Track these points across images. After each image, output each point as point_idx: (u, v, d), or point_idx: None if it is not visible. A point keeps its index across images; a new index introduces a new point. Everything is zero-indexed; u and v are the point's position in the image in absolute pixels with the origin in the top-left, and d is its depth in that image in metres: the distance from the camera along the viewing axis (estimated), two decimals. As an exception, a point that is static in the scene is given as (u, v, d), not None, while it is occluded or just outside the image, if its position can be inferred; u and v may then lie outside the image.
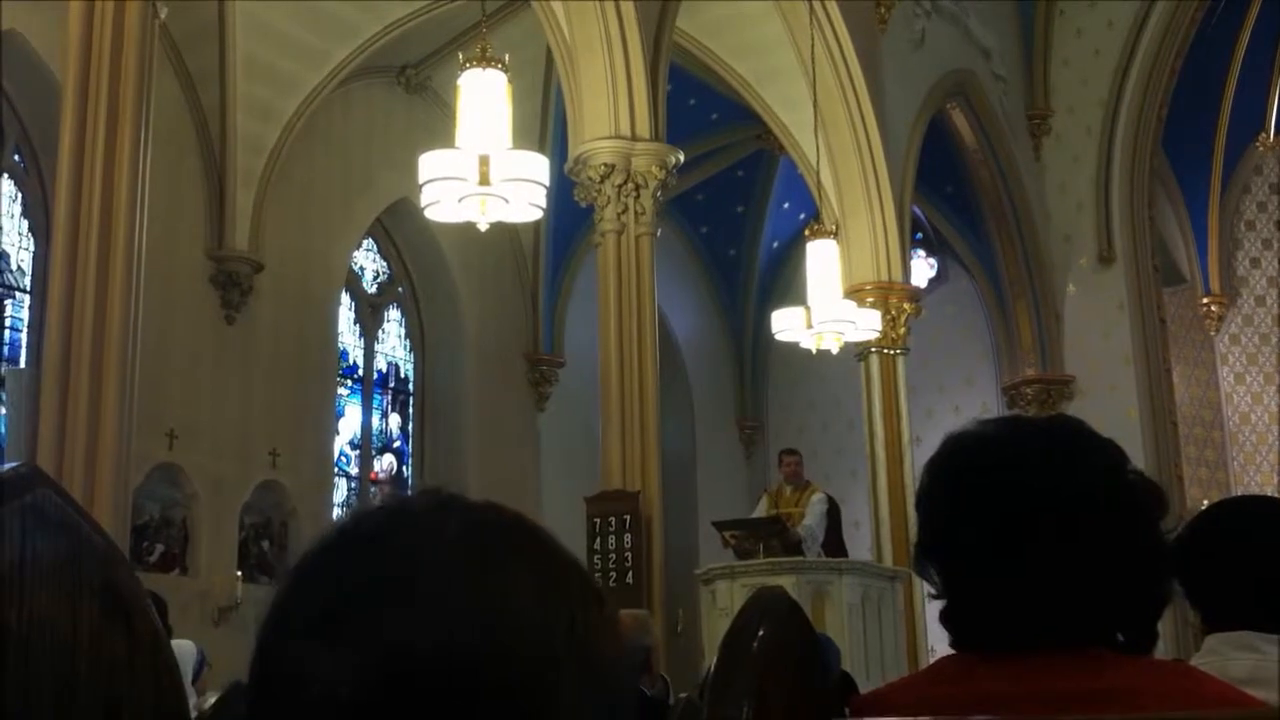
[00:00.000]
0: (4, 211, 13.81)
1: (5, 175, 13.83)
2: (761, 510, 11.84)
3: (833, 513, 11.58)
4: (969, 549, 1.54)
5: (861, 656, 10.39)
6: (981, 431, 1.60)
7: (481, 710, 0.81)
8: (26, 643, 0.88)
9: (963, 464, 1.58)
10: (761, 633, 2.05)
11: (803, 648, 2.19)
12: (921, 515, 1.61)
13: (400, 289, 17.90)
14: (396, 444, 17.72)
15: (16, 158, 13.91)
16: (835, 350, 12.37)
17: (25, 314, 13.78)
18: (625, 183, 11.99)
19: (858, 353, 14.77)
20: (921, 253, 20.18)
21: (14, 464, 0.91)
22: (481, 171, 8.18)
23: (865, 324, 12.36)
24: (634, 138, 12.05)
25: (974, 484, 1.55)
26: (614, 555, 11.36)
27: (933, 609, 1.62)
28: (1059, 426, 1.62)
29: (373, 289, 17.65)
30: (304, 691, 0.82)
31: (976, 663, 1.52)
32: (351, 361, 17.19)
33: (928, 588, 1.58)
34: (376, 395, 17.50)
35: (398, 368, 17.88)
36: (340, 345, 16.79)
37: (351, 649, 0.81)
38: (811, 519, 11.28)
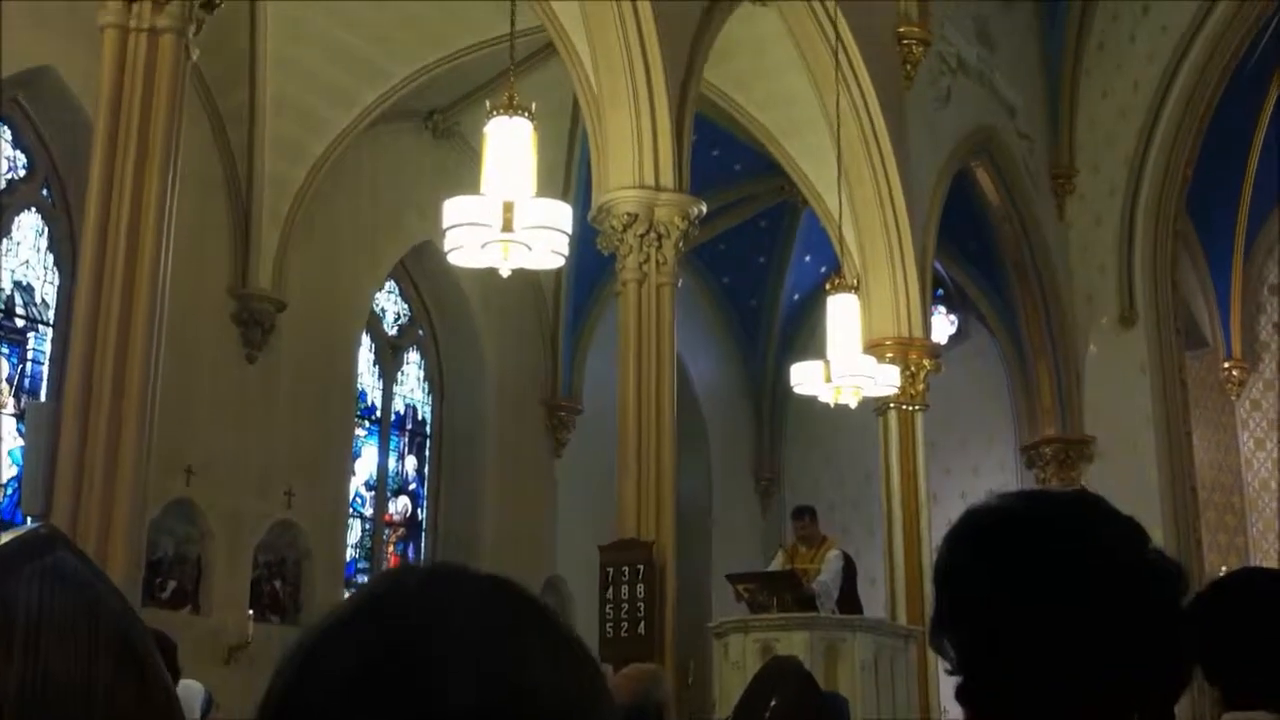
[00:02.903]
0: (31, 245, 13.91)
1: (33, 209, 13.95)
2: (778, 565, 11.78)
3: (848, 569, 11.51)
4: (985, 623, 1.52)
5: (874, 715, 10.31)
6: (1001, 505, 1.59)
7: None
8: (41, 703, 0.89)
9: (980, 538, 1.57)
10: (774, 702, 2.06)
11: (813, 717, 2.19)
12: (938, 590, 1.59)
13: (421, 331, 17.96)
14: (412, 486, 17.72)
15: (45, 192, 14.03)
16: (854, 405, 12.34)
17: (48, 347, 13.85)
18: (648, 232, 12.04)
19: (876, 408, 14.74)
20: (943, 309, 20.18)
21: (35, 525, 0.92)
22: (505, 218, 8.22)
23: (884, 379, 12.34)
24: (658, 188, 12.10)
25: (991, 558, 1.54)
26: (626, 605, 11.31)
27: (946, 677, 1.60)
28: (1079, 501, 1.60)
29: (393, 330, 17.71)
30: None
31: (993, 740, 1.50)
32: (370, 402, 17.23)
33: (944, 664, 1.57)
34: (394, 437, 17.52)
35: (416, 410, 17.90)
36: (359, 386, 16.83)
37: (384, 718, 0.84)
38: (827, 575, 11.21)
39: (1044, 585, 1.50)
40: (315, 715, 0.87)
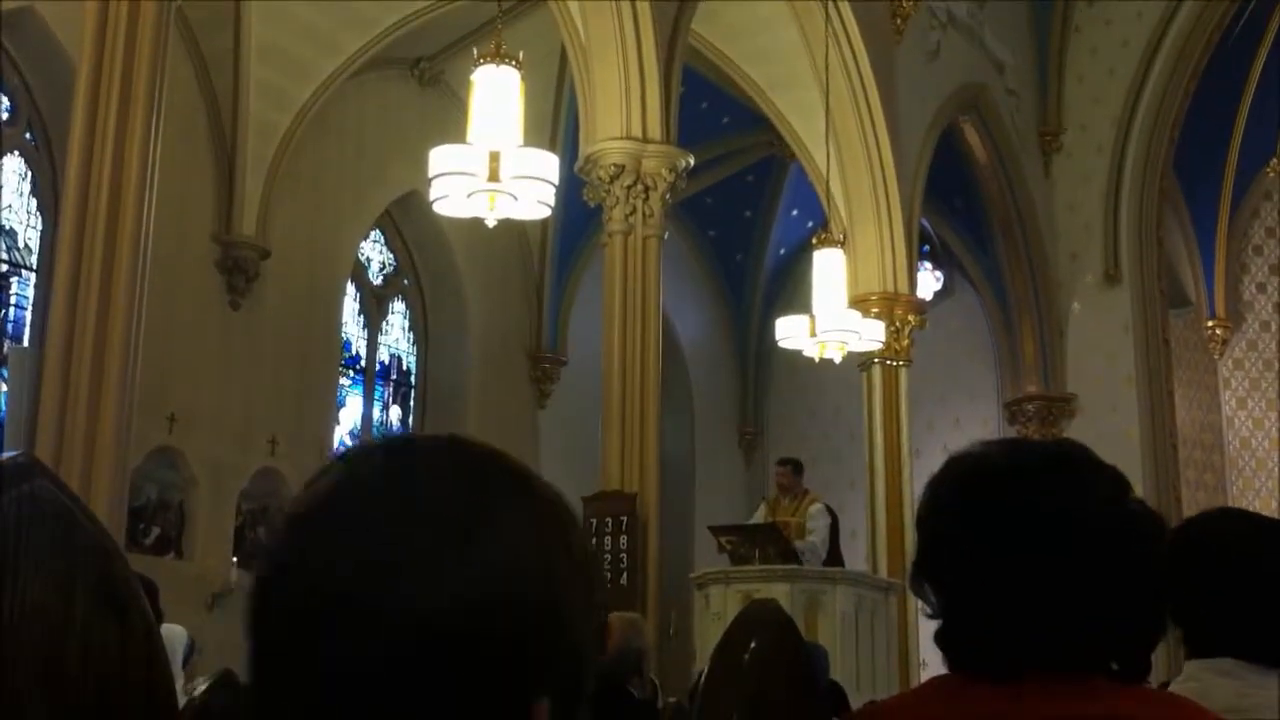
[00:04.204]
0: (13, 189, 13.81)
1: (16, 153, 13.84)
2: (760, 517, 11.80)
3: (832, 524, 11.53)
4: (966, 571, 1.53)
5: (853, 666, 10.38)
6: (983, 453, 1.59)
7: (500, 657, 0.85)
8: (17, 629, 0.88)
9: (963, 485, 1.57)
10: (753, 645, 2.06)
11: (793, 661, 2.20)
12: (920, 535, 1.60)
13: (406, 281, 17.90)
14: (396, 436, 17.71)
15: (28, 136, 13.91)
16: (838, 360, 12.36)
17: (30, 292, 13.78)
18: (634, 184, 11.99)
19: (861, 363, 14.76)
20: (928, 265, 20.17)
21: (13, 453, 0.91)
22: (491, 167, 8.18)
23: (869, 334, 12.34)
24: (645, 139, 12.04)
25: (973, 506, 1.54)
26: (609, 556, 11.36)
27: (926, 622, 1.61)
28: (1062, 450, 1.60)
29: (378, 280, 17.65)
30: (318, 663, 0.84)
31: (971, 685, 1.51)
32: (354, 352, 17.20)
33: (924, 607, 1.57)
34: (378, 386, 17.50)
35: (400, 360, 17.88)
36: (344, 335, 16.79)
37: (364, 620, 0.83)
38: (816, 536, 11.15)
39: (1025, 536, 1.50)
40: (297, 641, 0.86)
